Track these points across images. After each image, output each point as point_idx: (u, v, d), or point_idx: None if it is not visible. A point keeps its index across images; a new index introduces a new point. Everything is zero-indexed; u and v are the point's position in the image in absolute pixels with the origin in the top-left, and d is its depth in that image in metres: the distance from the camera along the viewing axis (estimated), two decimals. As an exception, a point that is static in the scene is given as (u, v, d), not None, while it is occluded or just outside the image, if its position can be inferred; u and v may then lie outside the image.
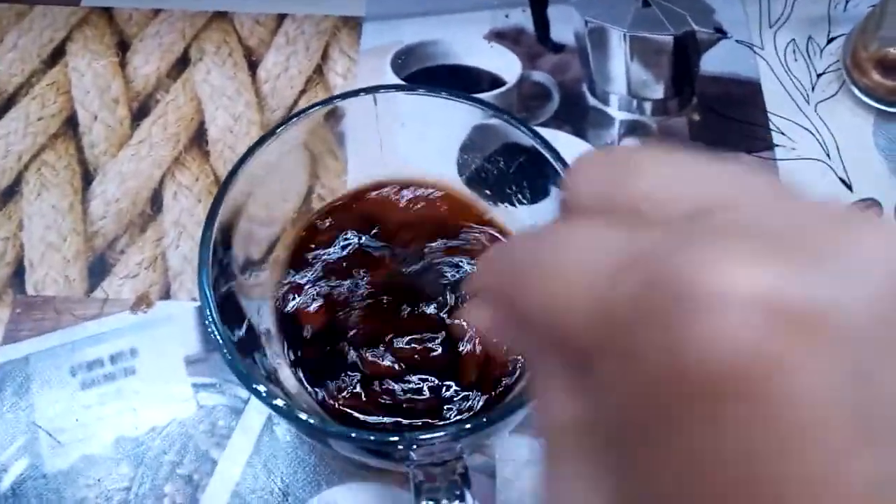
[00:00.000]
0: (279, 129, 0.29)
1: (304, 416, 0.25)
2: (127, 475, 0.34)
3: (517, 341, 0.16)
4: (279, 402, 0.25)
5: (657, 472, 0.11)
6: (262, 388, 0.25)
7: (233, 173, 0.28)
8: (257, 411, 0.35)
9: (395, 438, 0.24)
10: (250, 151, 0.29)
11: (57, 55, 0.46)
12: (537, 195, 0.32)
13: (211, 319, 0.27)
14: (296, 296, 0.33)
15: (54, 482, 0.34)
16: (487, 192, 0.34)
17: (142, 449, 0.35)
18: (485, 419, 0.24)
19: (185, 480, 0.34)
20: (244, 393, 0.36)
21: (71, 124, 0.44)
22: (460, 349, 0.31)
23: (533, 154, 0.30)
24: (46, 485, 0.34)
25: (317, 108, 0.30)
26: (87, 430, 0.35)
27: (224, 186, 0.28)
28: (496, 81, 0.45)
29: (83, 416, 0.35)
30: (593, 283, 0.12)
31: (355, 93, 0.30)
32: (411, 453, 0.25)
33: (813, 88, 0.45)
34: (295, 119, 0.30)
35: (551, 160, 0.29)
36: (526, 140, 0.30)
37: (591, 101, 0.45)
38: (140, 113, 0.44)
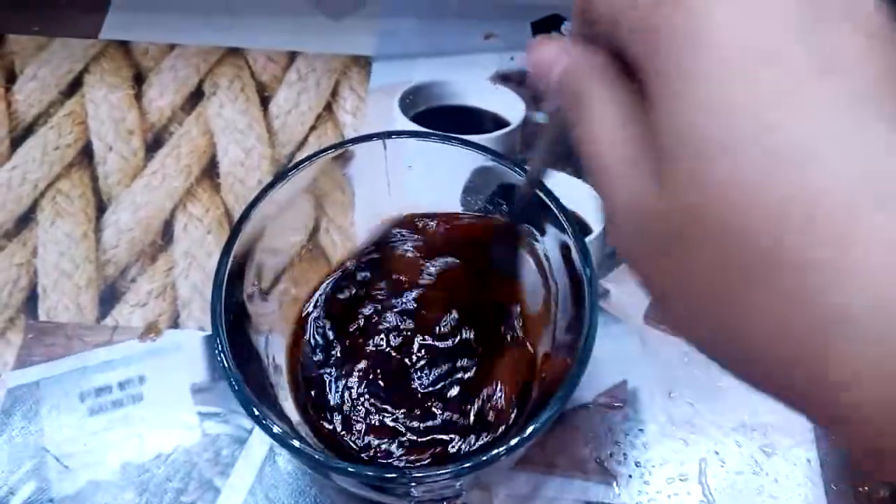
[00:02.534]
0: (291, 173, 0.31)
1: (306, 450, 0.26)
2: (132, 501, 0.35)
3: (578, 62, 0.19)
4: (283, 434, 0.26)
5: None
6: (266, 419, 0.26)
7: (245, 214, 0.30)
8: (261, 441, 0.36)
9: (396, 475, 0.25)
10: (262, 194, 0.30)
11: (75, 86, 0.48)
12: (534, 235, 0.33)
13: (221, 349, 0.28)
14: (310, 330, 0.34)
15: (61, 507, 0.35)
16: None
17: (147, 476, 0.35)
18: (485, 457, 0.25)
19: (188, 508, 0.35)
20: (248, 422, 0.36)
21: (86, 154, 0.45)
22: (465, 385, 0.32)
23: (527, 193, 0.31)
24: (53, 509, 0.35)
25: (330, 151, 0.31)
26: (94, 455, 0.36)
27: (237, 227, 0.29)
28: (500, 122, 0.46)
29: (91, 441, 0.36)
30: None
31: (367, 137, 0.32)
32: (412, 490, 0.26)
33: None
34: (307, 162, 0.31)
35: (546, 201, 0.30)
36: (521, 180, 0.31)
37: (593, 143, 0.46)
38: (154, 144, 0.46)
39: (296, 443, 0.26)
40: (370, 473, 0.25)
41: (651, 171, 0.16)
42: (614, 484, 0.35)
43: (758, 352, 0.15)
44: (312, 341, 0.34)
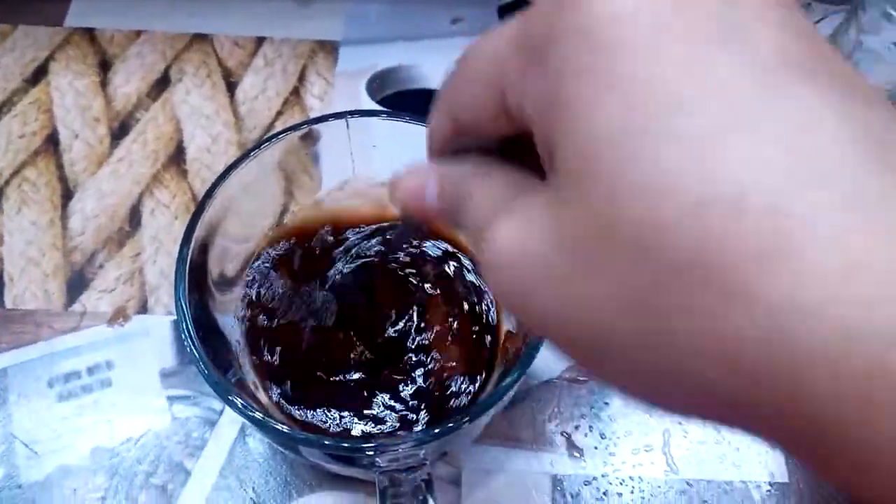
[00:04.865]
0: (255, 151, 0.31)
1: (275, 425, 0.26)
2: (102, 485, 0.35)
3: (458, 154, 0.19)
4: (251, 412, 0.26)
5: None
6: (235, 398, 0.27)
7: (210, 192, 0.30)
8: (230, 423, 0.36)
9: (362, 444, 0.26)
10: (227, 172, 0.30)
11: (39, 74, 0.48)
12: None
13: (187, 333, 0.28)
14: (259, 307, 0.34)
15: (30, 492, 0.35)
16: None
17: (117, 459, 0.35)
18: (447, 425, 0.25)
19: (159, 490, 0.35)
20: (218, 405, 0.37)
21: (52, 142, 0.45)
22: (425, 360, 0.32)
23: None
24: (22, 495, 0.34)
25: (291, 131, 0.31)
26: (63, 440, 0.36)
27: (201, 205, 0.29)
28: (467, 105, 0.47)
29: (60, 426, 0.36)
30: (505, 35, 0.16)
31: (330, 116, 0.32)
32: (377, 459, 0.26)
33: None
34: (270, 142, 0.31)
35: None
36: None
37: (558, 125, 0.46)
38: (120, 132, 0.45)
39: (260, 416, 0.26)
40: (336, 444, 0.26)
41: (544, 204, 0.15)
42: (580, 456, 0.35)
43: (688, 368, 0.13)
44: (270, 319, 0.34)
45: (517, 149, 0.17)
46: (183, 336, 0.28)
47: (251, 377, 0.32)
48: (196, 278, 0.30)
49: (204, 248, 0.30)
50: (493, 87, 0.16)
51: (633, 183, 0.12)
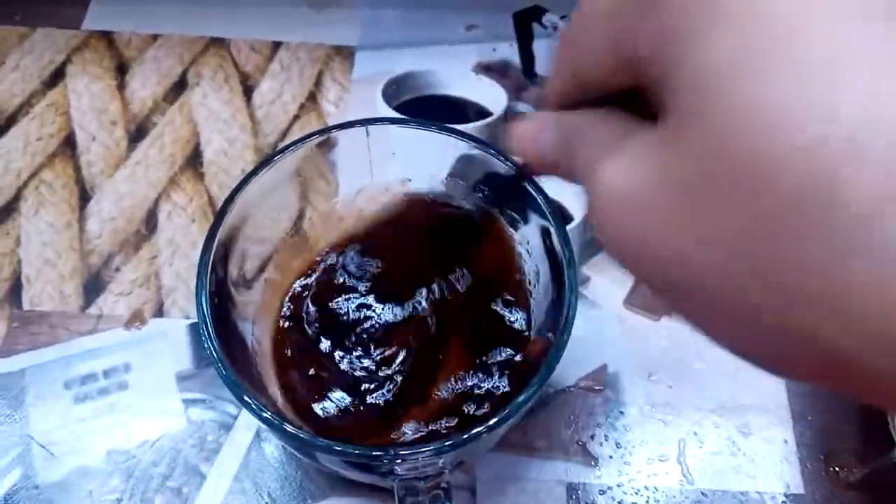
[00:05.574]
0: (276, 157, 0.31)
1: (292, 430, 0.26)
2: (118, 487, 0.35)
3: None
4: (269, 416, 0.26)
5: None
6: (253, 401, 0.27)
7: (231, 198, 0.30)
8: (246, 427, 0.36)
9: (380, 452, 0.26)
10: (248, 177, 0.30)
11: (57, 77, 0.48)
12: (517, 222, 0.33)
13: (207, 335, 0.28)
14: (292, 316, 0.34)
15: (47, 493, 0.35)
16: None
17: (133, 462, 0.36)
18: (466, 435, 0.25)
19: (174, 493, 0.35)
20: (233, 409, 0.37)
21: (69, 144, 0.45)
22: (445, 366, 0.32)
23: (513, 182, 0.32)
24: (39, 495, 0.35)
25: (314, 137, 0.31)
26: (80, 442, 0.36)
27: (223, 210, 0.30)
28: (483, 112, 0.47)
29: (77, 428, 0.36)
30: None
31: (351, 124, 0.32)
32: (396, 467, 0.26)
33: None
34: (292, 147, 0.31)
35: (529, 188, 0.31)
36: (506, 169, 0.32)
37: (574, 132, 0.46)
38: (137, 134, 0.46)
39: (276, 419, 0.26)
40: (354, 451, 0.26)
41: (653, 142, 0.15)
42: (595, 465, 0.35)
43: (795, 315, 0.12)
44: (295, 326, 0.34)
45: (630, 104, 0.17)
46: (203, 337, 0.28)
47: (269, 381, 0.33)
48: (216, 280, 0.30)
49: (225, 251, 0.31)
50: (608, 38, 0.16)
51: (746, 112, 0.12)
